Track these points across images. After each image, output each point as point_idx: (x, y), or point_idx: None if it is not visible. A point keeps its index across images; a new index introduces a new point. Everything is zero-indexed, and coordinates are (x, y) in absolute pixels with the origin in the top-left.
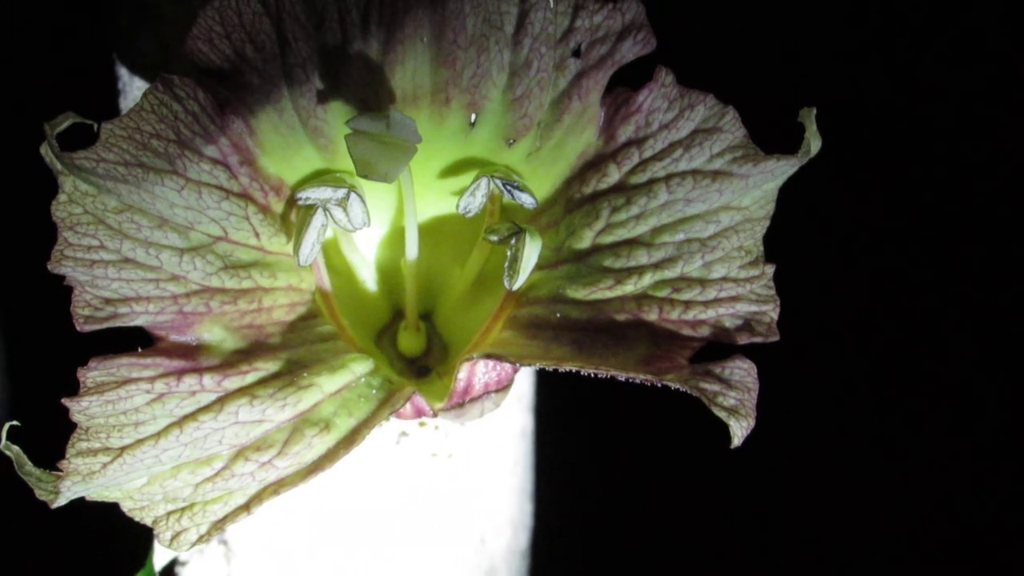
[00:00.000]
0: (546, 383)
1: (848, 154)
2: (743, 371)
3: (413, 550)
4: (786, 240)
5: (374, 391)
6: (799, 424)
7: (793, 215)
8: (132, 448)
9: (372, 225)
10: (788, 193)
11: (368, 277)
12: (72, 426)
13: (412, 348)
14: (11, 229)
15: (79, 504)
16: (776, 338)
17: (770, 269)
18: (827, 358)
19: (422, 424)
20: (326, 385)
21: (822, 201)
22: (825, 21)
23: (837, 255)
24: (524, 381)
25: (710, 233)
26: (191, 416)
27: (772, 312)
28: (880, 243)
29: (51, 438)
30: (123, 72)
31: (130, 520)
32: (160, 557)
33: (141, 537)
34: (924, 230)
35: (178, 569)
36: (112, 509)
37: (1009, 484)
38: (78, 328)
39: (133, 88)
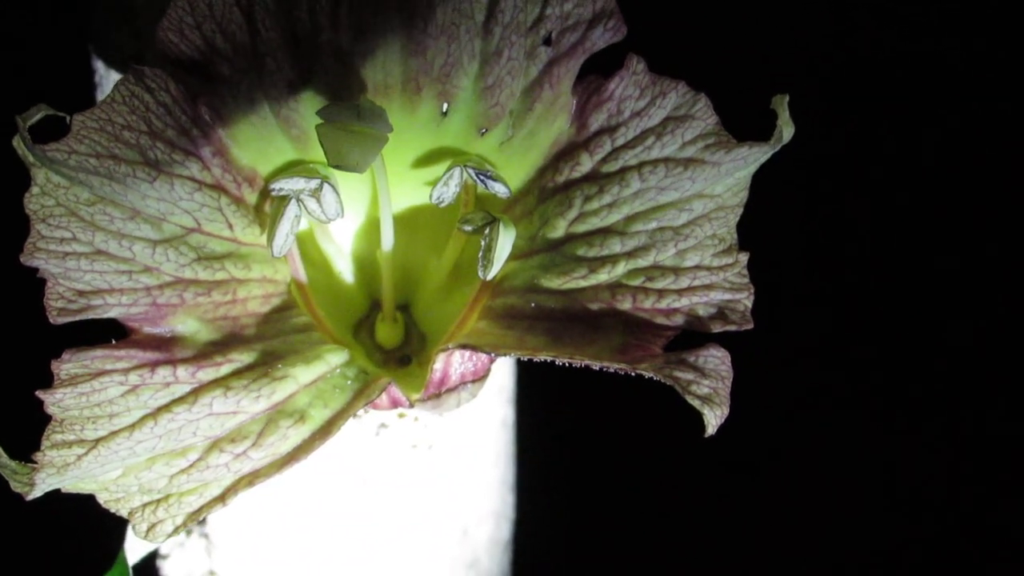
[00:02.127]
0: (527, 374)
1: (826, 140)
2: (717, 359)
3: (395, 541)
4: (761, 229)
5: (349, 382)
6: (777, 414)
7: (768, 203)
8: (106, 440)
9: (347, 216)
10: (763, 181)
11: (344, 268)
12: (47, 418)
13: (390, 339)
14: None
15: (53, 496)
16: (750, 326)
17: (744, 257)
18: (811, 353)
19: (401, 416)
20: (301, 376)
21: (797, 189)
22: (798, 7)
23: (814, 245)
24: (505, 372)
25: (683, 221)
26: (165, 408)
27: (746, 300)
28: (862, 233)
29: (26, 430)
30: (99, 65)
31: (103, 512)
32: (137, 550)
33: (115, 530)
34: (908, 222)
35: (159, 562)
36: (86, 501)
37: (1007, 484)
38: (51, 320)
39: (110, 81)
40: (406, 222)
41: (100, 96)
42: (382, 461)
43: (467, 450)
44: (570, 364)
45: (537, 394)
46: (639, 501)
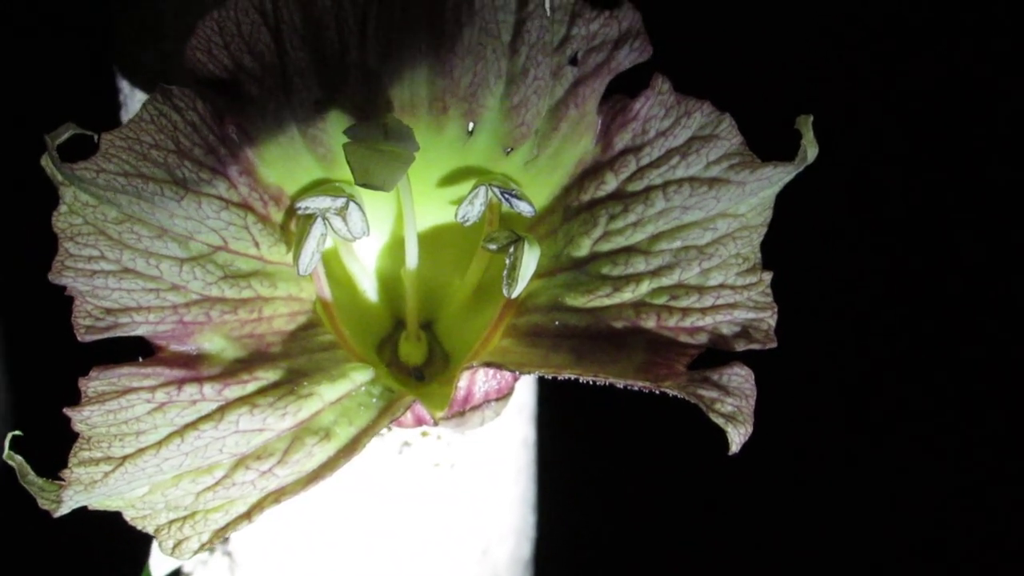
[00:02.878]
0: (548, 393)
1: (849, 161)
2: (741, 378)
3: (416, 560)
4: (785, 247)
5: (374, 400)
6: (800, 433)
7: (792, 222)
8: (133, 457)
9: (372, 235)
10: (786, 201)
11: (368, 287)
12: (74, 436)
13: (413, 357)
14: (13, 240)
15: (79, 512)
16: (774, 345)
17: (768, 276)
18: (826, 365)
19: (424, 434)
20: (326, 394)
21: (821, 209)
22: (822, 28)
23: (837, 263)
24: (526, 391)
25: (707, 240)
26: (192, 425)
27: (770, 319)
28: (880, 250)
29: (54, 448)
30: (124, 85)
31: (128, 529)
32: (161, 567)
33: (139, 547)
34: (925, 238)
35: None
36: (112, 517)
37: (1007, 488)
38: (79, 338)
39: (134, 100)
40: (431, 241)
41: (125, 115)
42: (405, 479)
43: (488, 469)
44: (594, 382)
45: (558, 413)
46: (660, 520)
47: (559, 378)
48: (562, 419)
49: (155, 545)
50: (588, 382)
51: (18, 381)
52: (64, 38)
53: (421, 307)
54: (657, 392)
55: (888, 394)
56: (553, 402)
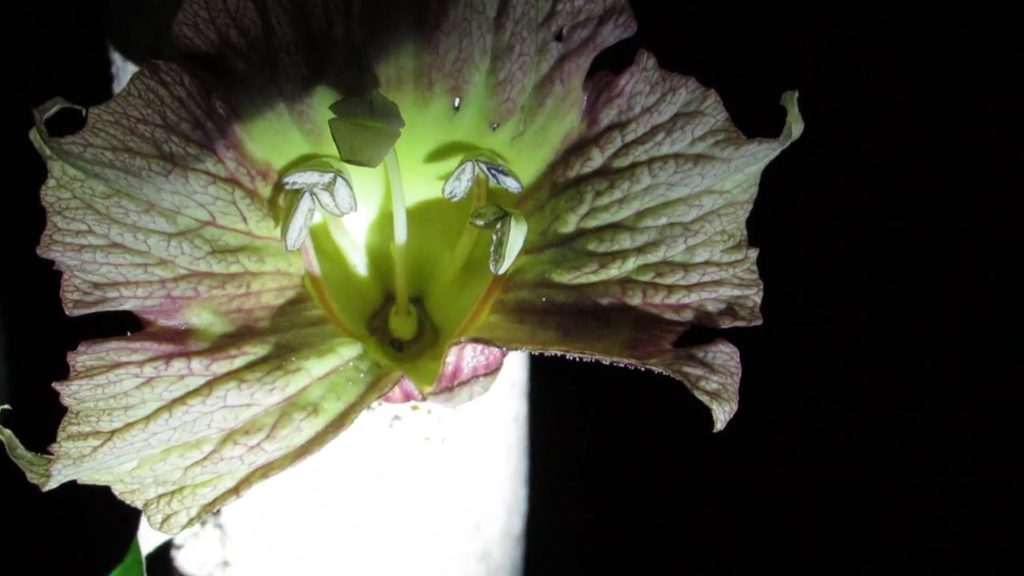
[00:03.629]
0: (540, 369)
1: (835, 139)
2: (726, 355)
3: (407, 534)
4: (771, 225)
5: (362, 375)
6: (791, 411)
7: (777, 199)
8: (122, 432)
9: (361, 210)
10: (772, 177)
11: (358, 261)
12: (63, 410)
13: (403, 332)
14: (5, 215)
15: (67, 488)
16: (759, 322)
17: (753, 253)
18: (817, 349)
19: (415, 408)
20: (314, 369)
21: (807, 185)
22: (808, 2)
23: (823, 241)
24: (517, 367)
25: (693, 217)
26: (180, 400)
27: (755, 296)
28: (870, 229)
29: (43, 422)
30: (116, 58)
31: (117, 503)
32: (151, 540)
33: (128, 521)
34: (916, 218)
35: (173, 552)
36: (100, 492)
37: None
38: (67, 312)
39: (127, 74)
40: (419, 216)
41: (117, 89)
42: (395, 453)
43: (480, 444)
44: (581, 359)
45: (549, 389)
46: (650, 495)
47: (547, 354)
48: (554, 395)
49: (144, 519)
50: (576, 358)
51: (11, 356)
52: (57, 11)
53: (411, 282)
54: (643, 369)
55: (876, 372)
56: (545, 378)
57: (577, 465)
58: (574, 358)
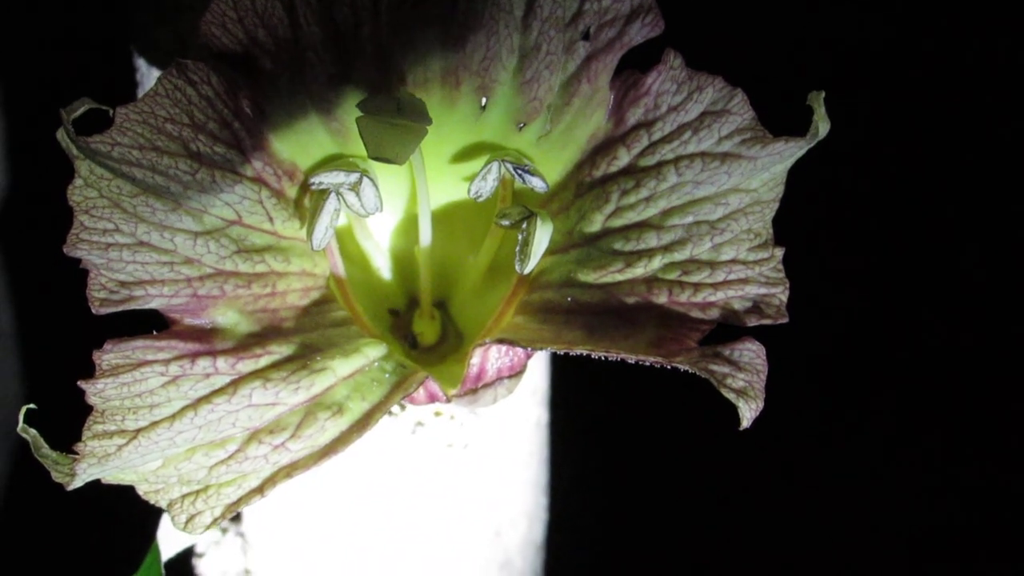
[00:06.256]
0: (561, 376)
1: (859, 137)
2: (752, 353)
3: (428, 541)
4: (797, 224)
5: (387, 375)
6: (812, 419)
7: (803, 198)
8: (147, 430)
9: (386, 212)
10: (798, 176)
11: (382, 264)
12: (89, 409)
13: (427, 336)
14: (29, 214)
15: (88, 489)
16: (785, 320)
17: (779, 252)
18: (839, 350)
19: (438, 414)
20: (339, 369)
21: (834, 184)
22: (834, 4)
23: (848, 240)
24: (539, 374)
25: (719, 215)
26: (205, 399)
27: (781, 294)
28: (891, 229)
29: (69, 421)
30: (141, 63)
31: (138, 506)
32: (171, 546)
33: (148, 524)
34: (938, 220)
35: (195, 561)
36: (123, 494)
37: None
38: (94, 311)
39: (151, 78)
40: (444, 218)
41: (141, 92)
42: (417, 459)
43: (501, 451)
44: (605, 358)
45: (571, 396)
46: (672, 502)
47: (572, 354)
48: (574, 402)
49: (165, 522)
50: (600, 358)
51: (35, 354)
52: (82, 16)
53: (435, 285)
54: (669, 368)
55: (904, 385)
56: (566, 385)
57: (598, 472)
58: (599, 357)
